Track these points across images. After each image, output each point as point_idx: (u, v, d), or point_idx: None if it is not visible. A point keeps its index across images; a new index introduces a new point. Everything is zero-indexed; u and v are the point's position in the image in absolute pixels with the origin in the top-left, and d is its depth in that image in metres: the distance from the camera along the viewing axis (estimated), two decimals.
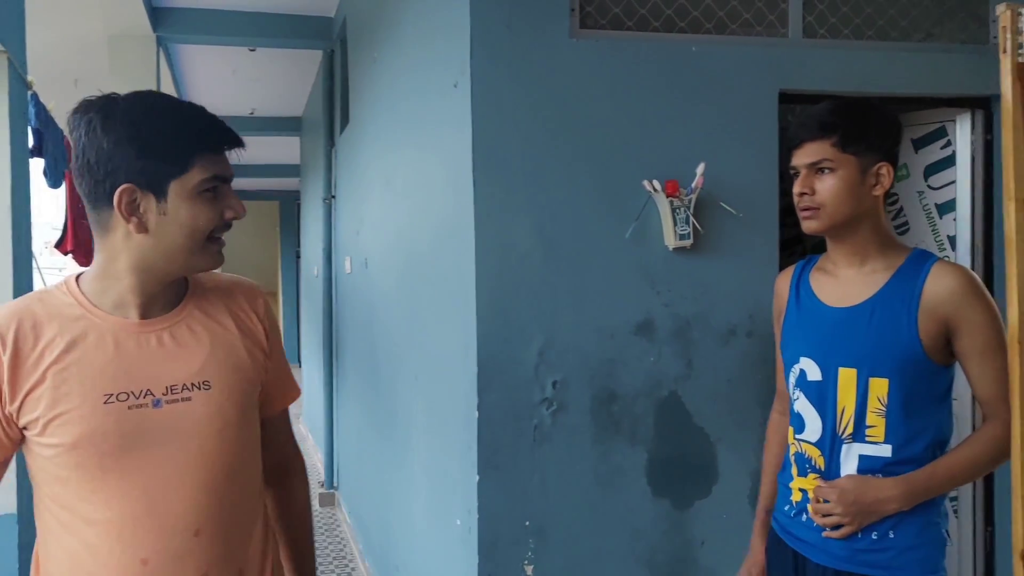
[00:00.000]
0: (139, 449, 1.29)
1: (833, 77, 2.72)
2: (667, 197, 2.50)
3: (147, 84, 5.94)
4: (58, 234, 3.50)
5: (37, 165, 2.70)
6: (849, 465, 1.74)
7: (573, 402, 2.50)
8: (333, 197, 6.10)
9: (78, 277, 1.35)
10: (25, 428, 1.26)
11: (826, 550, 1.75)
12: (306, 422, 8.79)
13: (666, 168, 2.54)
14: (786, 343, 1.89)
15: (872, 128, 1.72)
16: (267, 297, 1.53)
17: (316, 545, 5.10)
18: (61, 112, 3.05)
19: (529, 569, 2.48)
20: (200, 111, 1.31)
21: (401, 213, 3.59)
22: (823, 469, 1.77)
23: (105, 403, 1.27)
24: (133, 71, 5.93)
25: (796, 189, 1.75)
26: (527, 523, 2.48)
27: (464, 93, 2.48)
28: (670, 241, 2.52)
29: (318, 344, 6.87)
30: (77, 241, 3.43)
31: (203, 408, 1.34)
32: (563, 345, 2.50)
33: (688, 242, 2.52)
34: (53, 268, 12.33)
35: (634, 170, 2.54)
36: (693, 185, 2.52)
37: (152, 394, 1.30)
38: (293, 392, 1.61)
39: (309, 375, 8.64)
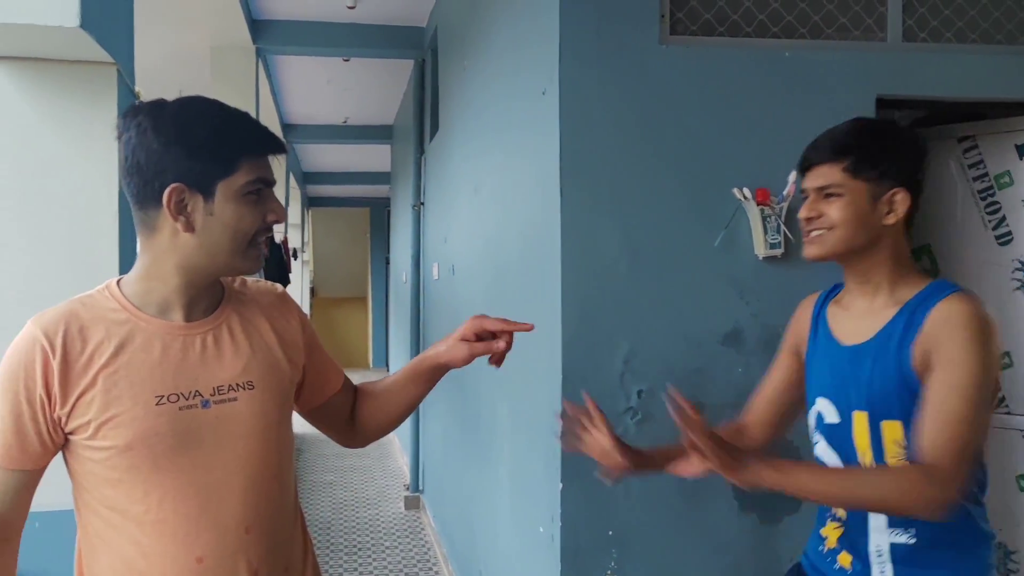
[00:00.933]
0: (191, 449, 1.30)
1: (934, 82, 2.63)
2: (757, 205, 2.45)
3: (247, 94, 6.14)
4: None
5: None
6: (877, 515, 1.58)
7: (658, 411, 2.47)
8: (422, 204, 6.17)
9: (118, 281, 1.36)
10: (73, 432, 1.27)
11: None
12: None
13: (757, 176, 2.50)
14: (807, 380, 1.75)
15: (889, 153, 1.59)
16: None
17: (400, 548, 5.17)
18: None
19: None
20: (246, 116, 1.33)
21: (488, 220, 3.61)
22: (845, 519, 1.64)
23: (157, 404, 1.28)
24: (234, 81, 6.13)
25: (802, 213, 1.64)
26: (610, 532, 2.46)
27: (552, 100, 2.48)
28: (760, 250, 2.48)
29: (406, 349, 6.95)
30: None
31: (248, 408, 1.37)
32: (649, 354, 2.48)
33: (779, 251, 2.47)
34: None
35: (724, 177, 2.50)
36: (785, 193, 2.46)
37: (200, 395, 1.32)
38: (340, 374, 1.65)
39: None
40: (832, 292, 1.77)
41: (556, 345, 2.45)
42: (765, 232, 2.45)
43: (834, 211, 1.58)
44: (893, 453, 1.55)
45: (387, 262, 13.03)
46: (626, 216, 2.47)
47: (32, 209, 2.20)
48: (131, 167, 1.28)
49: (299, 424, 6.34)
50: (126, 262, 2.32)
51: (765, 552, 2.52)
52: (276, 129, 8.83)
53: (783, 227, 2.46)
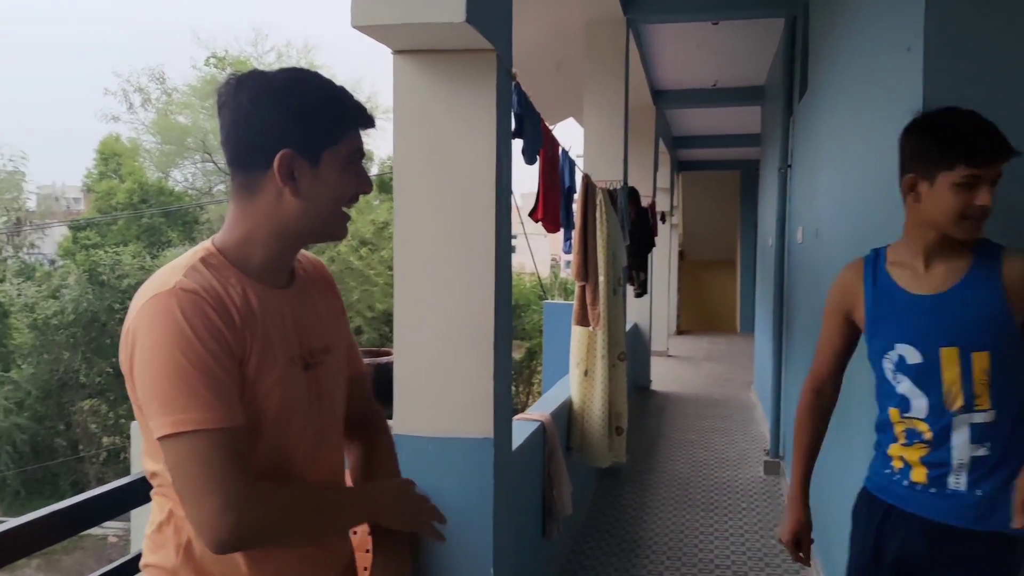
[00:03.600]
0: (302, 409, 1.40)
1: None
2: None
3: (617, 64, 6.41)
4: (531, 204, 4.01)
5: (517, 145, 3.14)
6: (960, 434, 1.90)
7: None
8: (789, 166, 6.03)
9: (215, 246, 1.39)
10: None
11: (924, 503, 1.97)
12: (757, 390, 8.84)
13: None
14: (874, 332, 2.05)
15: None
16: None
17: (756, 511, 5.20)
18: (545, 89, 3.48)
19: None
20: (348, 93, 1.40)
21: (851, 183, 3.49)
22: (931, 440, 1.94)
23: (290, 365, 1.37)
24: (606, 53, 6.43)
25: (987, 201, 1.83)
26: None
27: (916, 57, 2.35)
28: None
29: (769, 314, 6.87)
30: (546, 210, 3.90)
31: (331, 371, 1.48)
32: None
33: None
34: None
35: None
36: None
37: (303, 358, 1.41)
38: (360, 357, 1.70)
39: (760, 344, 8.66)
40: (879, 258, 2.09)
41: None
42: None
43: (992, 198, 1.86)
44: (980, 379, 1.88)
45: (755, 226, 12.78)
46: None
47: (430, 185, 2.55)
48: (240, 132, 1.34)
49: (662, 383, 6.73)
50: (502, 227, 2.61)
51: None
52: (646, 96, 9.07)
53: None
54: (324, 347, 1.48)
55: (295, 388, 1.38)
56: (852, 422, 3.30)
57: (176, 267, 1.32)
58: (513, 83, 2.84)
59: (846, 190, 3.60)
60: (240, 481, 1.22)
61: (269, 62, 25.55)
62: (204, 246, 1.38)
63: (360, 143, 1.42)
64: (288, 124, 1.33)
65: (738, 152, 13.61)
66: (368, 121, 1.42)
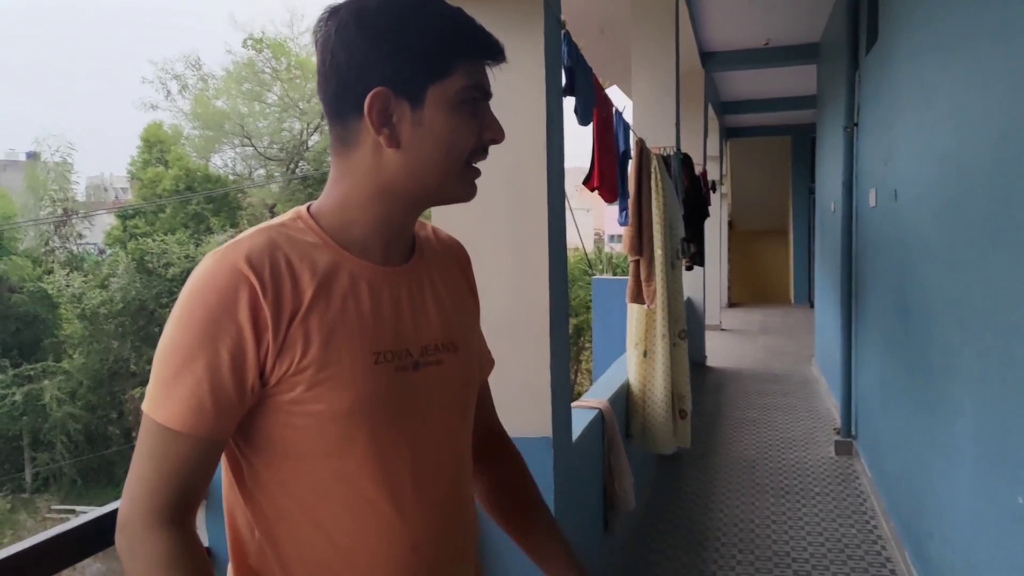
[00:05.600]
0: (405, 419, 1.11)
1: None
2: None
3: (666, 25, 6.04)
4: (585, 171, 3.68)
5: (568, 103, 2.82)
6: None
7: None
8: (856, 125, 5.61)
9: (309, 209, 1.14)
10: (276, 392, 1.06)
11: None
12: (819, 363, 8.44)
13: None
14: None
15: None
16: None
17: (832, 495, 4.85)
18: (588, 55, 3.16)
19: None
20: (465, 15, 1.09)
21: (945, 136, 3.11)
22: None
23: (376, 363, 1.08)
24: (653, 13, 6.07)
25: None
26: None
27: None
28: None
29: (833, 283, 6.48)
30: (603, 178, 3.57)
31: (452, 373, 1.18)
32: None
33: None
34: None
35: None
36: None
37: (411, 355, 1.12)
38: (491, 359, 1.41)
39: (822, 316, 8.27)
40: None
41: None
42: None
43: None
44: None
45: (810, 192, 12.31)
46: None
47: None
48: (329, 70, 1.08)
49: (720, 358, 6.32)
50: (555, 194, 2.30)
51: None
52: (694, 59, 8.66)
53: None
54: (445, 344, 1.18)
55: (383, 390, 1.09)
56: (955, 404, 2.93)
57: (252, 231, 1.10)
58: (563, 32, 2.51)
59: (938, 146, 3.21)
60: (154, 496, 1.02)
61: (305, 43, 25.33)
62: (296, 210, 1.14)
63: (481, 79, 1.10)
64: (380, 57, 1.05)
65: (789, 116, 13.12)
66: (492, 50, 1.09)
